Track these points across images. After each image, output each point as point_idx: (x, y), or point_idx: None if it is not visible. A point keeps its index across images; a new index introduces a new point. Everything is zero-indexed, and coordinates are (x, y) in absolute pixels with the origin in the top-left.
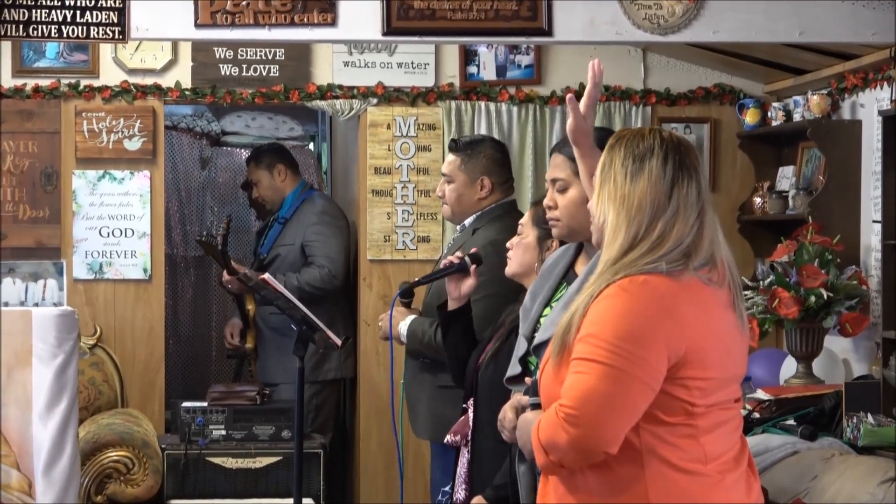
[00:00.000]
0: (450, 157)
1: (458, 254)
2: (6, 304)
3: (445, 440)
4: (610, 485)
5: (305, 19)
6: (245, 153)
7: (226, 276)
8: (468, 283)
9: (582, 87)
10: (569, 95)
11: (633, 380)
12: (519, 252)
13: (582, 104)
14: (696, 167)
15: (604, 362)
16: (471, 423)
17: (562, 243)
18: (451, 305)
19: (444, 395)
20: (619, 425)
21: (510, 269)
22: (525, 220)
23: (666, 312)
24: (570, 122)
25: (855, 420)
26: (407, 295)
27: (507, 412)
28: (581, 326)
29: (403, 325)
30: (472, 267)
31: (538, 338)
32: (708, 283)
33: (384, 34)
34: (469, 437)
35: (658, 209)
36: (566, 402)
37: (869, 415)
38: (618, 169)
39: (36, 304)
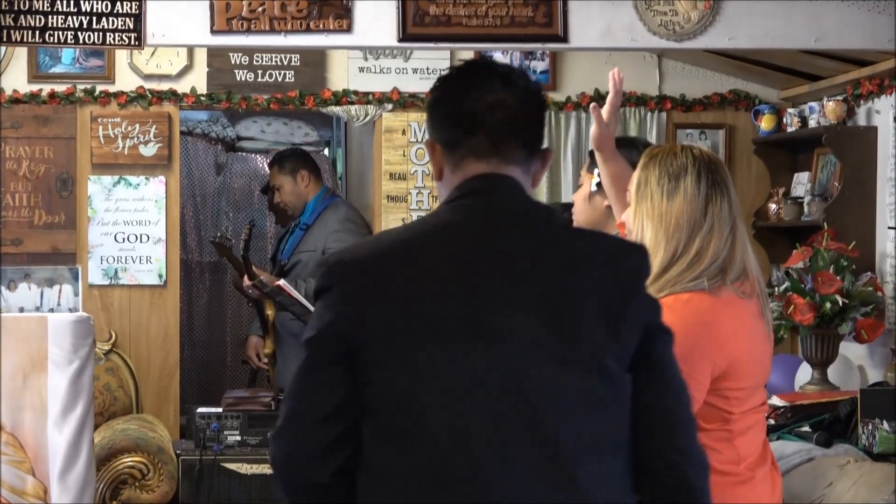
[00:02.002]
0: None
1: None
2: (22, 310)
3: None
4: None
5: (321, 25)
6: (260, 158)
7: (246, 282)
8: None
9: (597, 92)
10: (592, 104)
11: None
12: None
13: (605, 111)
14: (726, 183)
15: None
16: None
17: None
18: None
19: None
20: None
21: None
22: None
23: (709, 330)
24: (593, 129)
25: (870, 427)
26: None
27: None
28: None
29: None
30: None
31: None
32: (742, 296)
33: (400, 40)
34: None
35: (695, 226)
36: None
37: (884, 422)
38: (654, 188)
39: (51, 310)
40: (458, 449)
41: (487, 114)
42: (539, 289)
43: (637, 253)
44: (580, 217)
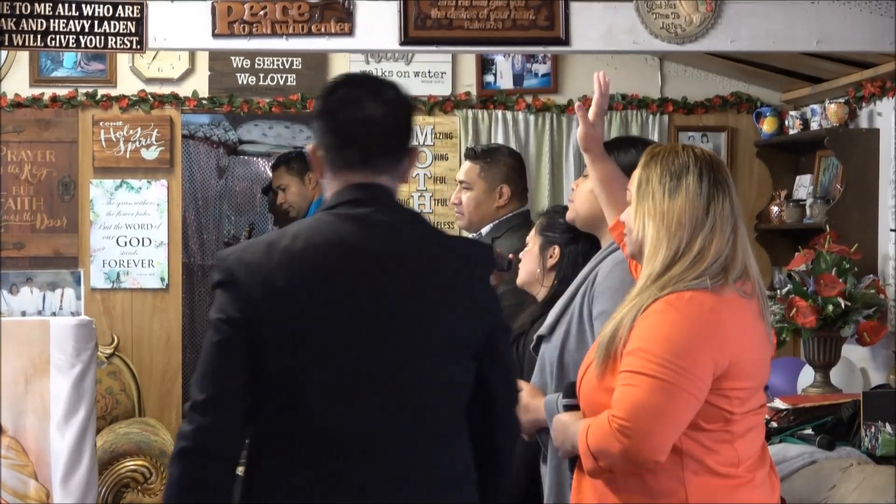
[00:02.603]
0: (467, 164)
1: (497, 250)
2: (24, 314)
3: None
4: (650, 487)
5: (323, 29)
6: (262, 162)
7: None
8: None
9: None
10: (577, 104)
11: (682, 392)
12: (525, 261)
13: (591, 113)
14: (728, 182)
15: (654, 376)
16: None
17: (562, 252)
18: None
19: None
20: (669, 436)
21: (519, 279)
22: (533, 230)
23: (711, 329)
24: (579, 130)
25: (873, 429)
26: None
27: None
28: (629, 339)
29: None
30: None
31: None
32: (743, 296)
33: (401, 44)
34: None
35: (697, 225)
36: (619, 414)
37: (887, 424)
38: (655, 186)
39: (53, 314)
40: (336, 425)
41: (359, 129)
42: (406, 285)
43: (484, 248)
44: (583, 210)
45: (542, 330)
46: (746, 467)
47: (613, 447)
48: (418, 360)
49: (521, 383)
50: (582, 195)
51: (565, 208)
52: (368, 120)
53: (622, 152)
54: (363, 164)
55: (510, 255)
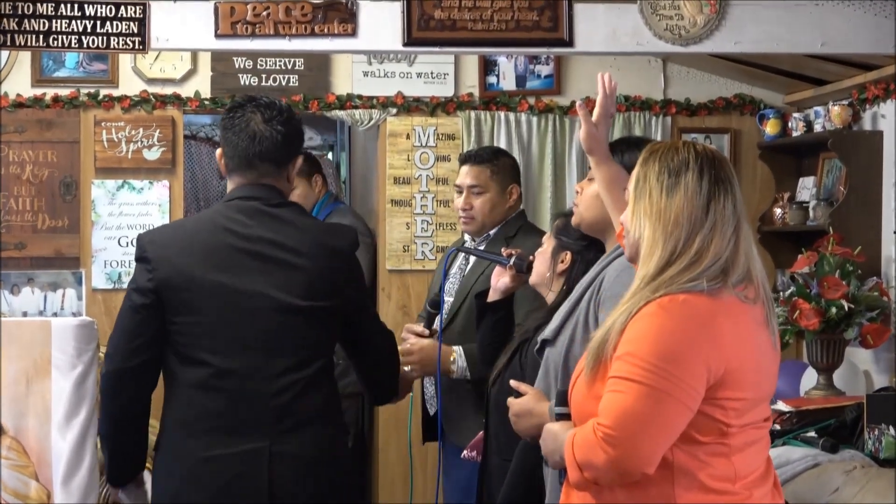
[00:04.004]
0: (473, 169)
1: (519, 251)
2: (25, 314)
3: (462, 455)
4: (639, 501)
5: (326, 30)
6: None
7: None
8: (503, 280)
9: None
10: (578, 102)
11: (671, 401)
12: (537, 262)
13: (595, 113)
14: (730, 180)
15: (643, 382)
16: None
17: (573, 259)
18: (490, 296)
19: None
20: (658, 446)
21: (531, 280)
22: (548, 232)
23: (706, 333)
24: (582, 130)
25: (877, 432)
26: (437, 307)
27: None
28: (618, 343)
29: (459, 356)
30: (509, 266)
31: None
32: (744, 301)
33: (405, 45)
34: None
35: (695, 224)
36: (604, 422)
37: (891, 427)
38: (653, 184)
39: (55, 314)
40: (226, 363)
41: (248, 143)
42: (274, 259)
43: (346, 232)
44: (588, 215)
45: (547, 334)
46: (744, 484)
47: (598, 457)
48: (271, 314)
49: (526, 388)
50: (587, 199)
51: (569, 213)
52: (255, 135)
53: (627, 153)
54: (249, 169)
55: (531, 257)
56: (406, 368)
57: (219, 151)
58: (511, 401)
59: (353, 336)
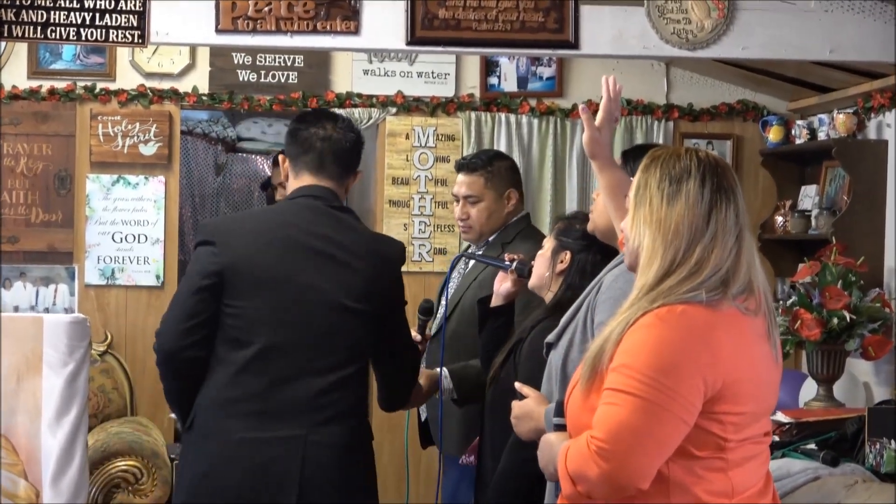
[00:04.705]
0: (467, 178)
1: (521, 256)
2: (17, 309)
3: (460, 461)
4: None
5: (328, 27)
6: (260, 159)
7: None
8: (505, 285)
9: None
10: (581, 105)
11: (667, 414)
12: (537, 264)
13: (598, 117)
14: (733, 189)
15: (638, 395)
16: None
17: (573, 258)
18: (493, 302)
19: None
20: (652, 461)
21: (531, 283)
22: (549, 235)
23: (704, 345)
24: (585, 134)
25: (878, 446)
26: (427, 313)
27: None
28: (615, 355)
29: (445, 378)
30: (511, 270)
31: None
32: (745, 313)
33: (408, 43)
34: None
35: (696, 234)
36: (598, 435)
37: (893, 441)
38: (653, 191)
39: (46, 310)
40: (274, 351)
41: (322, 145)
42: (332, 257)
43: (396, 244)
44: (601, 222)
45: (551, 337)
46: (741, 500)
47: (592, 471)
48: (324, 310)
49: (529, 391)
50: (601, 206)
51: (587, 216)
52: (327, 137)
53: (640, 161)
54: (318, 169)
55: (532, 263)
56: None
57: (281, 156)
58: (514, 403)
59: (386, 343)
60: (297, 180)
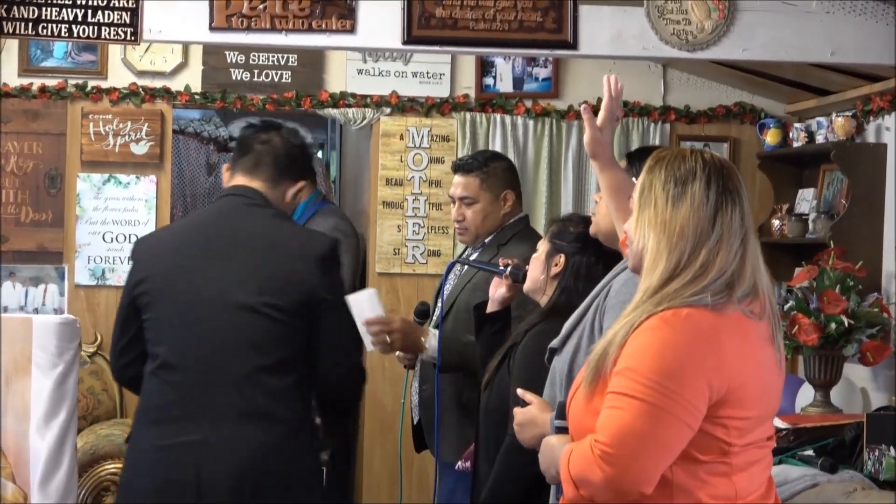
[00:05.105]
0: (463, 179)
1: (515, 261)
2: (6, 309)
3: (456, 466)
4: None
5: (323, 25)
6: None
7: None
8: (500, 291)
9: (601, 102)
10: (584, 105)
11: (671, 418)
12: (531, 267)
13: (599, 117)
14: (739, 191)
15: (642, 399)
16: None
17: (567, 261)
18: (489, 307)
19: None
20: (656, 465)
21: (526, 287)
22: (543, 237)
23: (708, 349)
24: (586, 134)
25: (877, 453)
26: (423, 316)
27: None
28: (619, 358)
29: (433, 336)
30: (505, 276)
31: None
32: (750, 316)
33: (404, 43)
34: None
35: (701, 236)
36: (602, 439)
37: (892, 448)
38: (658, 193)
39: (36, 310)
40: (182, 356)
41: (258, 147)
42: (231, 254)
43: (321, 237)
44: (604, 225)
45: (555, 343)
46: None
47: (595, 475)
48: (234, 312)
49: (532, 396)
50: (604, 210)
51: (584, 218)
52: (266, 141)
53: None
54: (250, 171)
55: (527, 267)
56: (387, 339)
57: (225, 165)
58: (516, 410)
59: (313, 340)
60: (230, 182)
